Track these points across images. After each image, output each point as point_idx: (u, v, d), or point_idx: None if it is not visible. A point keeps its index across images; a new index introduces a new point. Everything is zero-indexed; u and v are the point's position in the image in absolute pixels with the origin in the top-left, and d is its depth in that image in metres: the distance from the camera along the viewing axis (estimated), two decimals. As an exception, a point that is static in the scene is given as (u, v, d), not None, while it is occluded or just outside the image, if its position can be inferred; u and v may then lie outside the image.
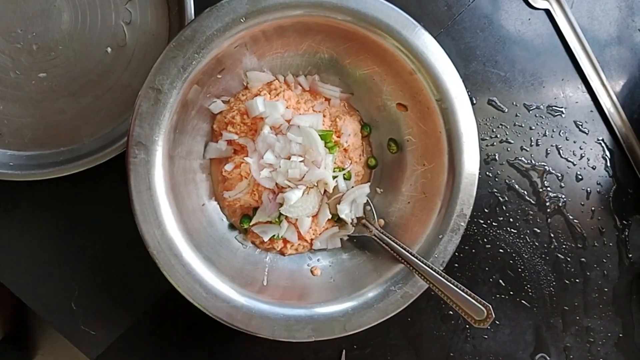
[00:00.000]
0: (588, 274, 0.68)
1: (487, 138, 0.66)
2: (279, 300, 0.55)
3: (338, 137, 0.60)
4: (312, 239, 0.61)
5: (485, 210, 0.66)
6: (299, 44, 0.58)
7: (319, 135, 0.56)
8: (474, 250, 0.66)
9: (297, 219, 0.58)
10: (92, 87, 0.57)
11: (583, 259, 0.68)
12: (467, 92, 0.63)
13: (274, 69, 0.60)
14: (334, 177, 0.58)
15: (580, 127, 0.68)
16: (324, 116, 0.60)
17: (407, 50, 0.55)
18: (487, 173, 0.66)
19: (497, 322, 0.67)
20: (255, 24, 0.52)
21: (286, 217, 0.57)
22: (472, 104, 0.65)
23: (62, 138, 0.57)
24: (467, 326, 0.66)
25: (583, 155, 0.68)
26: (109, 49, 0.57)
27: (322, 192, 0.58)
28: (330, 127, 0.60)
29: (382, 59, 0.57)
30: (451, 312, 0.66)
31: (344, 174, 0.60)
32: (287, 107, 0.58)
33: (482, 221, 0.66)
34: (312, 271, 0.60)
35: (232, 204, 0.58)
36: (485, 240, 0.66)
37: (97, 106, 0.57)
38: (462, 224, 0.57)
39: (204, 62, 0.52)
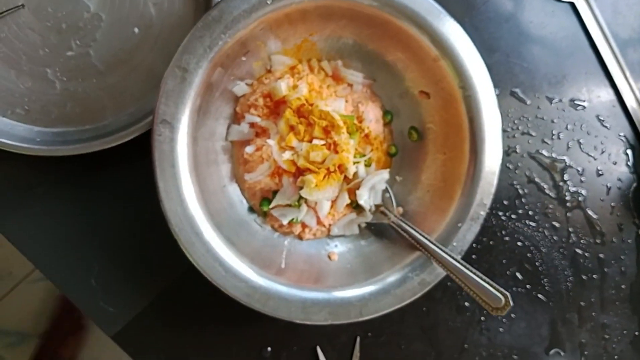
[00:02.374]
0: (605, 270, 0.68)
1: (509, 130, 0.66)
2: (296, 283, 0.55)
3: (360, 122, 0.60)
4: (330, 225, 0.61)
5: (505, 202, 0.66)
6: (323, 29, 0.58)
7: (341, 119, 0.56)
8: (491, 242, 0.66)
9: (316, 203, 0.58)
10: (119, 67, 0.58)
11: (601, 255, 0.68)
12: (490, 82, 0.64)
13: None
14: (355, 163, 0.58)
15: (602, 121, 0.68)
16: (346, 101, 0.60)
17: (431, 36, 0.55)
18: (508, 165, 0.66)
19: (513, 315, 0.67)
20: (280, 6, 0.53)
21: (305, 200, 0.58)
22: (495, 94, 0.65)
23: (88, 116, 0.58)
24: (483, 318, 0.66)
25: (604, 150, 0.68)
26: (136, 29, 0.58)
27: (342, 178, 0.59)
28: (352, 112, 0.60)
29: (406, 45, 0.58)
30: (467, 304, 0.66)
31: (364, 161, 0.60)
32: (309, 91, 0.58)
33: (501, 213, 0.66)
34: (329, 256, 0.60)
35: (252, 186, 0.59)
36: (503, 232, 0.66)
37: (123, 85, 0.58)
38: (482, 213, 0.57)
39: (230, 43, 0.52)
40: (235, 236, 0.56)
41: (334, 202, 0.60)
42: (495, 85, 0.65)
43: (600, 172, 0.68)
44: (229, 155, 0.60)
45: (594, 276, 0.67)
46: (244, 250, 0.55)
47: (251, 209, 0.61)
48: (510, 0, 0.66)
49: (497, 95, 0.65)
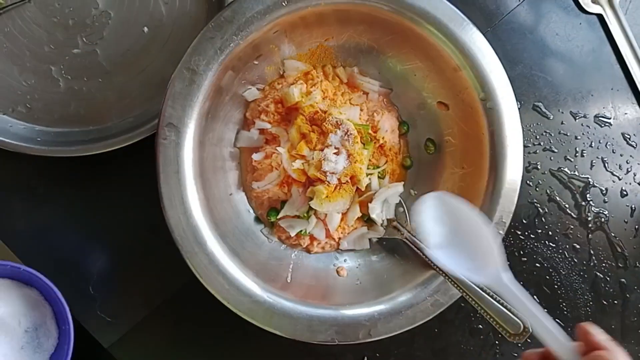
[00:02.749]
0: (628, 295, 0.64)
1: (530, 145, 0.63)
2: (302, 298, 0.53)
3: (375, 132, 0.57)
4: (339, 238, 0.58)
5: (524, 221, 0.63)
6: (340, 34, 0.56)
7: (356, 128, 0.54)
8: (509, 263, 0.63)
9: (326, 215, 0.56)
10: (126, 67, 0.56)
11: (623, 280, 0.64)
12: (512, 95, 0.61)
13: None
14: (368, 175, 0.56)
15: (628, 139, 0.65)
16: (361, 110, 0.57)
17: (453, 45, 0.53)
18: (528, 182, 0.63)
19: (529, 340, 0.63)
20: (296, 8, 0.51)
21: (315, 212, 0.55)
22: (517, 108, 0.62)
23: (92, 117, 0.56)
24: (497, 342, 0.63)
25: (629, 169, 0.64)
26: (146, 29, 0.56)
27: (354, 190, 0.56)
28: (367, 121, 0.58)
29: (425, 53, 0.55)
30: (481, 326, 0.63)
31: (378, 172, 0.57)
32: (323, 99, 0.56)
33: (519, 232, 0.63)
34: (338, 271, 0.58)
35: (259, 195, 0.56)
36: (521, 252, 0.63)
37: (130, 87, 0.56)
38: (501, 232, 0.54)
39: (242, 45, 0.50)
40: (240, 247, 0.53)
41: (344, 214, 0.57)
42: (517, 99, 0.62)
43: (624, 193, 0.64)
44: (236, 162, 0.58)
45: (615, 302, 0.64)
46: (249, 262, 0.53)
47: (258, 219, 0.58)
48: (534, 12, 0.64)
49: (519, 109, 0.62)
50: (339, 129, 0.53)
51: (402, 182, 0.59)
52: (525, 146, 0.63)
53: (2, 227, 0.57)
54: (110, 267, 0.58)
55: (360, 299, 0.54)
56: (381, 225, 0.58)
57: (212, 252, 0.50)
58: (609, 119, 0.64)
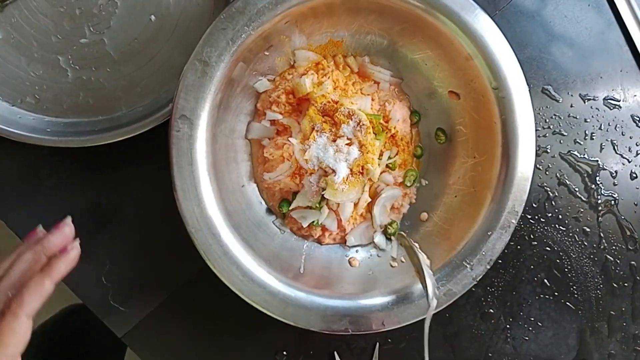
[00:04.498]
0: (638, 278, 0.64)
1: (540, 128, 0.63)
2: (315, 288, 0.53)
3: (386, 122, 0.57)
4: (345, 234, 0.58)
5: (534, 205, 0.63)
6: (350, 24, 0.55)
7: (367, 118, 0.53)
8: (519, 247, 0.63)
9: (338, 205, 0.55)
10: (134, 56, 0.55)
11: (633, 262, 0.64)
12: (521, 79, 0.61)
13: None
14: (380, 165, 0.55)
15: (637, 122, 0.64)
16: (372, 100, 0.57)
17: (465, 33, 0.52)
18: (538, 166, 0.63)
19: (540, 324, 0.64)
20: None
21: (327, 202, 0.55)
22: (526, 92, 0.62)
23: (101, 106, 0.55)
24: (508, 326, 0.63)
25: (639, 152, 0.64)
26: (153, 17, 0.56)
27: (366, 179, 0.56)
28: (378, 111, 0.57)
29: (437, 42, 0.55)
30: (492, 310, 0.63)
31: (389, 163, 0.57)
32: (334, 89, 0.55)
33: (529, 216, 0.63)
34: (350, 262, 0.58)
35: (271, 186, 0.56)
36: (532, 236, 0.63)
37: (138, 76, 0.55)
38: (513, 221, 0.54)
39: (253, 36, 0.50)
40: (253, 238, 0.53)
41: (355, 205, 0.57)
42: (527, 82, 0.62)
43: (634, 175, 0.64)
44: (248, 154, 0.57)
45: (626, 284, 0.64)
46: (262, 253, 0.53)
47: (269, 211, 0.58)
48: (543, -7, 0.63)
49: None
50: (351, 119, 0.53)
51: (399, 187, 0.59)
52: (535, 130, 0.63)
53: (13, 218, 0.57)
54: (122, 257, 0.58)
55: (373, 289, 0.54)
56: (379, 226, 0.58)
57: (226, 243, 0.50)
58: (618, 101, 0.64)
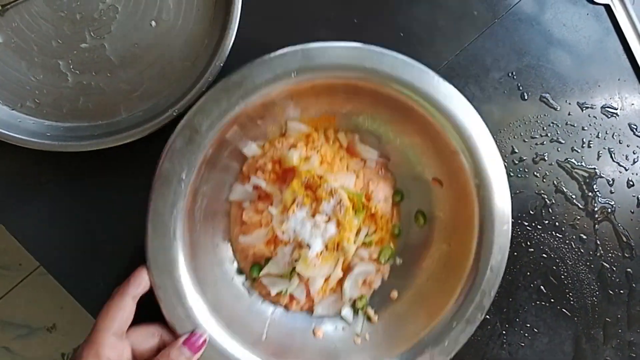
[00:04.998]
0: (634, 285, 0.65)
1: (537, 136, 0.63)
2: (274, 356, 0.54)
3: (368, 200, 0.57)
4: (313, 303, 0.58)
5: (531, 212, 0.63)
6: (345, 104, 0.56)
7: (348, 197, 0.54)
8: (516, 253, 0.63)
9: (308, 278, 0.56)
10: (134, 61, 0.56)
11: (629, 270, 0.65)
12: (519, 87, 0.61)
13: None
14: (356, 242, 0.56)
15: (635, 130, 0.65)
16: (357, 177, 0.57)
17: (455, 129, 0.53)
18: (535, 173, 0.63)
19: (536, 330, 0.64)
20: (305, 79, 0.51)
21: (298, 274, 0.55)
22: (524, 99, 0.62)
23: (101, 111, 0.55)
24: (504, 332, 0.63)
25: (636, 160, 0.65)
26: (153, 23, 0.56)
27: (341, 256, 0.56)
28: (361, 189, 0.58)
29: (426, 132, 0.55)
30: (488, 317, 0.63)
31: (366, 240, 0.58)
32: (321, 163, 0.56)
33: (526, 223, 0.63)
34: (314, 332, 0.58)
35: (245, 249, 0.57)
36: (528, 243, 0.63)
37: (138, 81, 0.55)
38: (479, 316, 0.54)
39: (247, 108, 0.51)
40: (218, 297, 0.54)
41: (327, 279, 0.57)
42: (525, 90, 0.63)
43: (631, 183, 0.65)
44: (227, 213, 0.58)
45: (621, 292, 0.65)
46: (224, 314, 0.53)
47: (240, 272, 0.58)
48: (541, 3, 0.64)
49: (526, 100, 0.63)
50: (333, 197, 0.53)
51: (373, 264, 0.59)
52: (532, 137, 0.63)
53: (13, 224, 0.57)
54: (120, 262, 0.58)
55: None
56: (348, 300, 0.59)
57: (185, 293, 0.51)
58: (616, 109, 0.64)
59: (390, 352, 0.55)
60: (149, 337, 0.50)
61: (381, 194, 0.58)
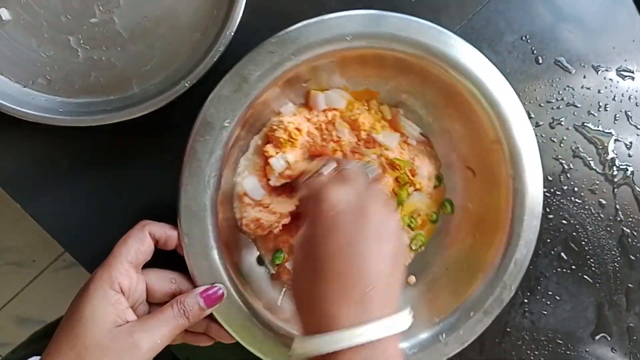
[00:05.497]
0: (655, 250, 0.64)
1: (553, 100, 0.62)
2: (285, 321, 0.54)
3: (413, 176, 0.57)
4: None
5: (549, 178, 0.62)
6: (391, 79, 0.56)
7: (398, 161, 0.54)
8: (535, 220, 0.62)
9: None
10: (144, 35, 0.55)
11: (650, 234, 0.64)
12: (533, 50, 0.60)
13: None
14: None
15: (651, 92, 0.64)
16: (402, 149, 0.57)
17: (497, 117, 0.53)
18: (552, 138, 0.62)
19: (558, 298, 0.63)
20: (358, 46, 0.51)
21: None
22: (538, 63, 0.62)
23: (113, 86, 0.55)
24: (526, 300, 0.63)
25: (654, 122, 0.64)
26: (163, -5, 0.55)
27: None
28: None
29: (468, 118, 0.55)
30: (509, 285, 0.62)
31: (410, 223, 0.58)
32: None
33: (545, 189, 0.62)
34: None
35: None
36: (547, 210, 0.63)
37: (149, 54, 0.55)
38: (497, 308, 0.54)
39: (297, 66, 0.50)
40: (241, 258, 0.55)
41: None
42: (539, 54, 0.62)
43: (649, 146, 0.64)
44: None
45: (643, 256, 0.64)
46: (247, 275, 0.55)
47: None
48: (555, -38, 0.63)
49: (540, 64, 0.62)
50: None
51: None
52: (548, 102, 0.62)
53: (29, 202, 0.57)
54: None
55: None
56: None
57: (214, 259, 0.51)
58: (632, 72, 0.63)
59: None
60: (166, 280, 0.50)
61: (425, 171, 0.57)
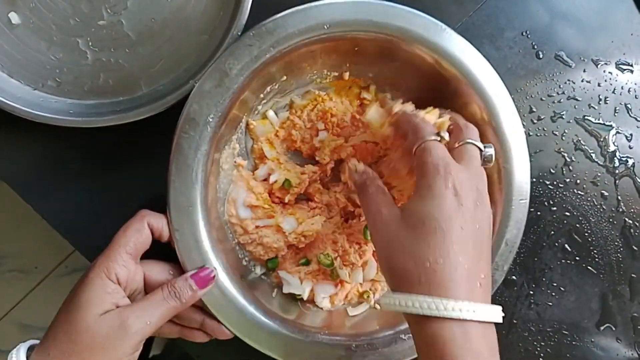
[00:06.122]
0: (657, 240, 0.65)
1: (554, 94, 0.63)
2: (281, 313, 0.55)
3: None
4: None
5: (552, 170, 0.63)
6: (373, 67, 0.57)
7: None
8: (539, 213, 0.63)
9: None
10: (152, 36, 0.56)
11: (651, 225, 0.65)
12: (534, 45, 0.62)
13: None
14: None
15: (650, 85, 0.65)
16: None
17: (483, 102, 0.54)
18: (554, 132, 0.63)
19: (563, 289, 0.64)
20: (337, 32, 0.51)
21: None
22: (539, 58, 0.63)
23: (122, 87, 0.56)
24: (531, 292, 0.64)
25: (653, 114, 0.65)
26: (170, -4, 0.56)
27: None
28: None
29: (454, 104, 0.55)
30: (514, 277, 0.63)
31: None
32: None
33: (548, 182, 0.63)
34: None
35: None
36: (551, 202, 0.63)
37: (157, 55, 0.56)
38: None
39: (277, 58, 0.51)
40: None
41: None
42: (539, 49, 0.63)
43: (649, 138, 0.65)
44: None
45: (645, 247, 0.65)
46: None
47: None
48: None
49: (541, 59, 0.63)
50: None
51: None
52: (549, 96, 0.63)
53: (40, 203, 0.58)
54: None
55: (338, 328, 0.55)
56: None
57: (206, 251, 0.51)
58: (630, 65, 0.64)
59: (395, 318, 0.54)
60: (163, 272, 0.51)
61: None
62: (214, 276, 0.50)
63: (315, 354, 0.51)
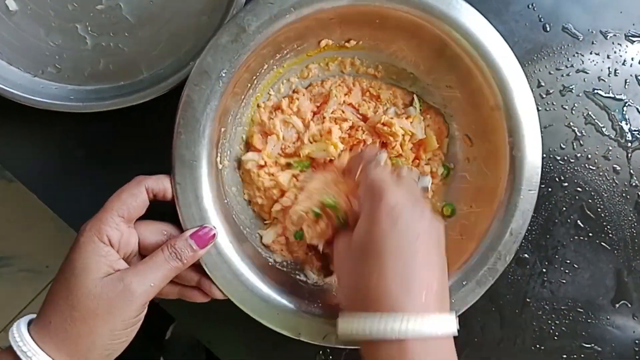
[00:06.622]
0: (671, 214, 0.63)
1: (563, 67, 0.62)
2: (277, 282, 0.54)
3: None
4: None
5: (562, 146, 0.62)
6: (391, 42, 0.56)
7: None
8: (550, 189, 0.62)
9: None
10: (151, 19, 0.55)
11: (666, 198, 0.63)
12: (540, 18, 0.60)
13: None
14: None
15: (660, 55, 0.63)
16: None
17: (495, 82, 0.52)
18: (564, 106, 0.62)
19: (576, 266, 0.63)
20: (357, 2, 0.50)
21: None
22: (546, 31, 0.61)
23: (122, 72, 0.55)
24: (544, 270, 0.62)
25: (664, 85, 0.63)
26: (167, -22, 0.55)
27: None
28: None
29: (467, 85, 0.55)
30: (527, 255, 0.62)
31: None
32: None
33: (558, 157, 0.62)
34: None
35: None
36: (562, 178, 0.62)
37: (157, 38, 0.55)
38: (491, 278, 0.53)
39: (296, 21, 0.49)
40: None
41: None
42: (546, 21, 0.61)
43: (661, 110, 0.63)
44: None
45: (660, 221, 0.63)
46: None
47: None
48: None
49: (549, 32, 0.61)
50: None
51: None
52: (557, 69, 0.62)
53: (45, 192, 0.58)
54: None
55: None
56: None
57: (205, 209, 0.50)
58: (639, 36, 0.63)
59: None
60: (157, 233, 0.49)
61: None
62: (214, 235, 0.49)
63: (308, 325, 0.50)
